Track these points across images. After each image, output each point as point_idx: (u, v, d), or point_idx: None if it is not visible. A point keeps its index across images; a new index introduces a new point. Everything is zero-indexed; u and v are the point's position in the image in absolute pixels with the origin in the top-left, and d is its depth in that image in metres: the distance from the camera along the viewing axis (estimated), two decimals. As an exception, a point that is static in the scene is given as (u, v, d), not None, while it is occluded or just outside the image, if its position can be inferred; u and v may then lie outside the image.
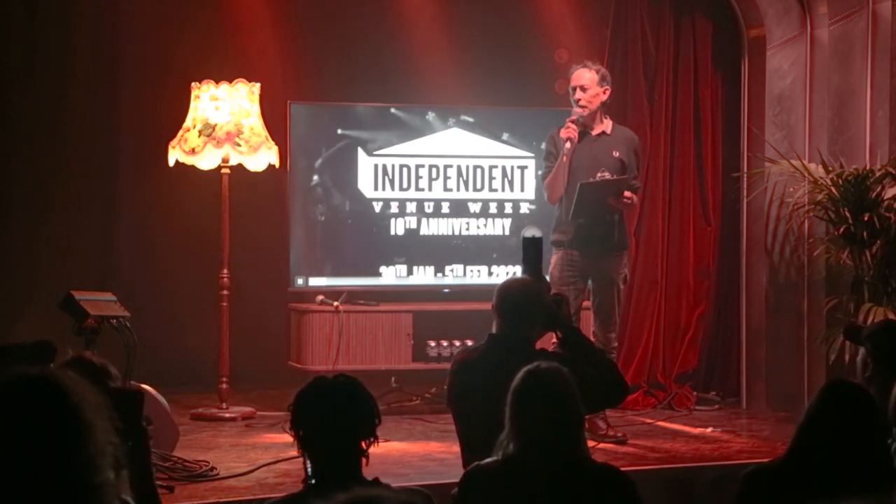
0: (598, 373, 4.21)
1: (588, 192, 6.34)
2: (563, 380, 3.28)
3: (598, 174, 6.49)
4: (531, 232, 5.31)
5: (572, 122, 6.44)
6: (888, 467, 2.92)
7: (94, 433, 1.88)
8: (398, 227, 7.65)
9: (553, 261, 6.52)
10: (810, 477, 3.07)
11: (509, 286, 4.43)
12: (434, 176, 7.70)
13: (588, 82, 6.50)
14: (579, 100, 6.49)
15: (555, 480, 3.19)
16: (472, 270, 7.76)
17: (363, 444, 3.02)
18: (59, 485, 1.83)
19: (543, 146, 6.81)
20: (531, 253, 4.69)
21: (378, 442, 3.06)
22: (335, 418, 3.01)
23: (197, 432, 6.45)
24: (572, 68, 6.62)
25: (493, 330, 4.35)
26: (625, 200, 6.42)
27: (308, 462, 3.03)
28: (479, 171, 7.76)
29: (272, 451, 5.83)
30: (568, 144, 6.38)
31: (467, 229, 7.74)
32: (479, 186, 7.76)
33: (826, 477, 3.03)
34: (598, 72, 6.54)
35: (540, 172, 6.93)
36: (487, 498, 3.26)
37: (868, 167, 6.64)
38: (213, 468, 5.39)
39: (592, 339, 6.47)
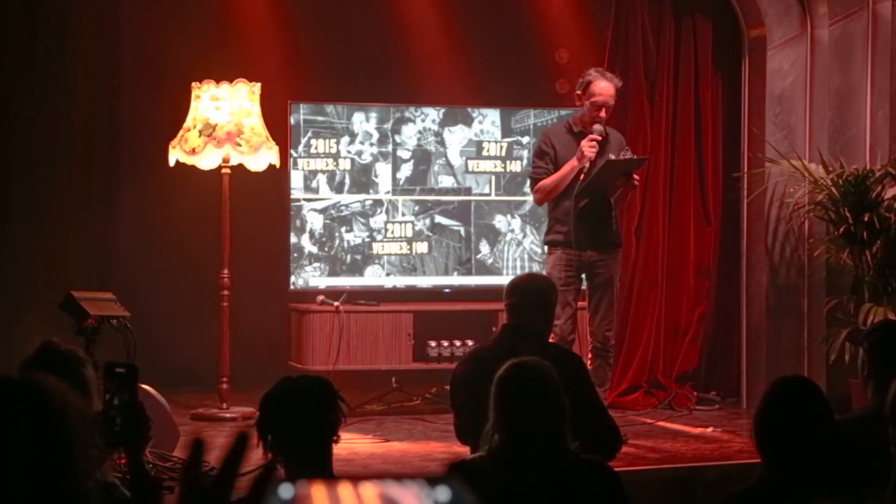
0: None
1: (609, 169, 6.22)
2: (546, 371, 3.31)
3: (621, 154, 6.40)
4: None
5: (595, 140, 6.24)
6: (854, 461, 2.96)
7: (77, 439, 1.85)
8: (397, 228, 7.66)
9: (550, 261, 6.49)
10: (793, 490, 3.06)
11: (520, 279, 4.76)
12: (433, 176, 7.72)
13: (614, 98, 6.35)
14: (603, 117, 6.28)
15: (540, 473, 3.20)
16: (472, 270, 7.78)
17: (331, 442, 3.05)
18: (40, 492, 1.81)
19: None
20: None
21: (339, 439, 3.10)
22: (305, 418, 3.03)
23: (197, 432, 6.44)
24: (590, 75, 6.35)
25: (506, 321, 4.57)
26: (634, 181, 6.31)
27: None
28: (479, 170, 7.77)
29: (272, 450, 5.82)
30: (588, 164, 6.21)
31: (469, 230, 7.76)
32: (480, 186, 7.77)
33: (808, 485, 3.03)
34: (617, 84, 6.39)
35: (529, 170, 6.82)
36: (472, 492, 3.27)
37: (868, 167, 6.64)
38: (213, 468, 5.36)
39: (590, 338, 6.47)
